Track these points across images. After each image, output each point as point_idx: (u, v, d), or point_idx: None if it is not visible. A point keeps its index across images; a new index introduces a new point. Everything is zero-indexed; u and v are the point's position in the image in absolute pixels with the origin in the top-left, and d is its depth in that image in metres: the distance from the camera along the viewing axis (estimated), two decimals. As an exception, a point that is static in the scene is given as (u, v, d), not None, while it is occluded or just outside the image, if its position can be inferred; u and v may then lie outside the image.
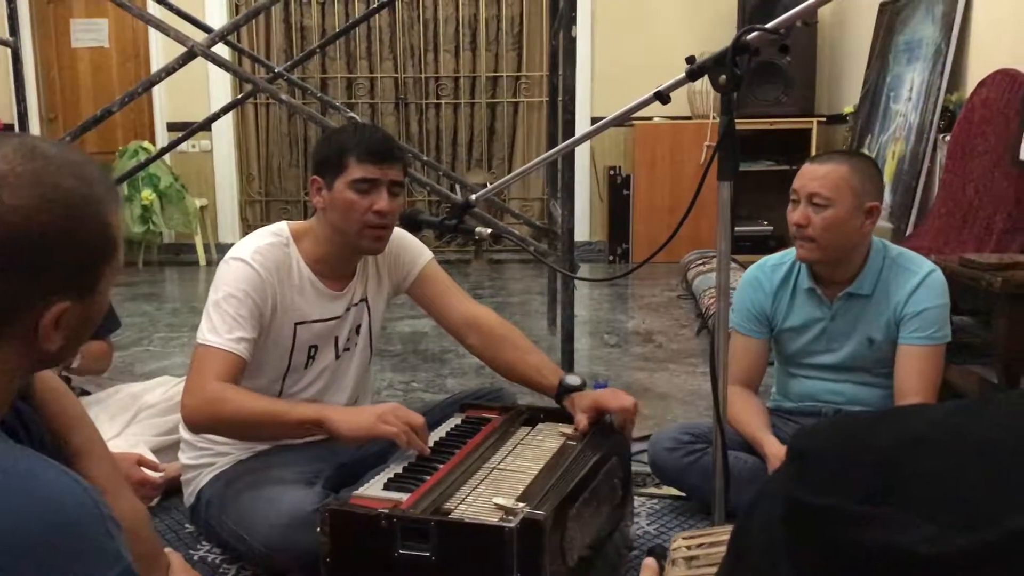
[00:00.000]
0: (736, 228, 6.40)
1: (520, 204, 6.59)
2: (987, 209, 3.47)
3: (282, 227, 1.96)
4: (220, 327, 1.80)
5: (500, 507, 1.43)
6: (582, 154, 6.39)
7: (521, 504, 1.42)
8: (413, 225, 1.82)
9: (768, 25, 1.28)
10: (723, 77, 1.30)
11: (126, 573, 0.80)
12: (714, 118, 5.80)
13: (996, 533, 0.47)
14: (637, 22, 6.18)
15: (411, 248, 2.07)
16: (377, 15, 6.19)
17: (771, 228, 5.90)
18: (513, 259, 6.51)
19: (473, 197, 1.67)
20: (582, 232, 6.59)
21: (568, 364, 3.05)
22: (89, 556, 0.78)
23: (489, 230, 1.64)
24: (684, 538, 1.02)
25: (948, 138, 3.98)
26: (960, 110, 3.94)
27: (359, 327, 2.05)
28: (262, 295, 1.84)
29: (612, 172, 6.23)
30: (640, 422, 2.90)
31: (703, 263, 4.77)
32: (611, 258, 6.34)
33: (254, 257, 1.85)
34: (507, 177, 1.68)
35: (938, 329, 2.00)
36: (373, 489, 1.54)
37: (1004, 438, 0.55)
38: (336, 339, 2.00)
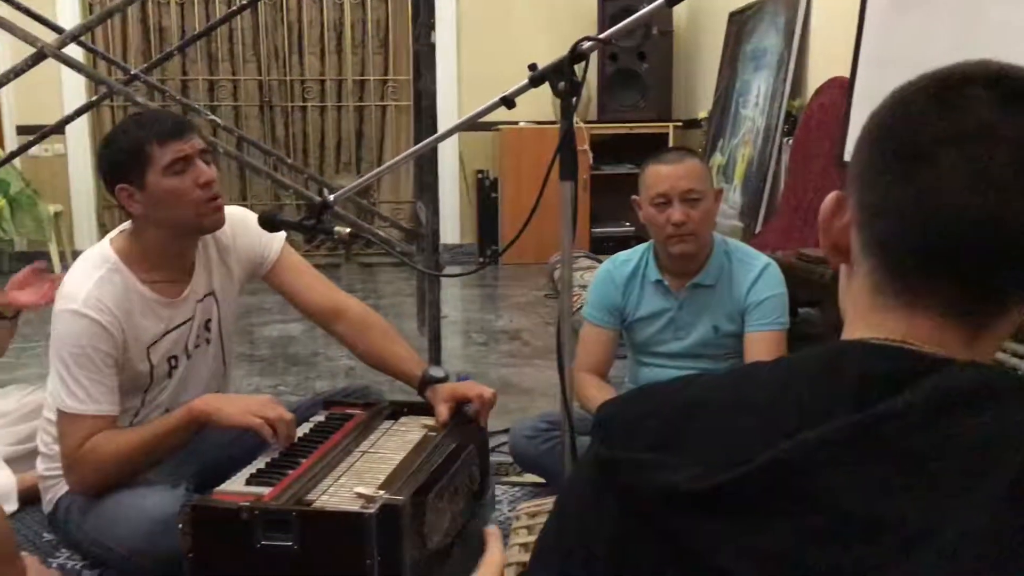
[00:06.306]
0: (599, 229, 6.54)
1: (391, 208, 6.59)
2: (824, 207, 3.73)
3: (106, 252, 1.86)
4: (78, 392, 1.75)
5: (361, 495, 1.48)
6: (450, 158, 6.45)
7: (381, 492, 1.48)
8: (271, 225, 1.85)
9: (601, 36, 1.39)
10: (562, 84, 1.40)
11: None
12: (577, 123, 5.97)
13: (744, 470, 0.59)
14: (502, 26, 6.29)
15: (261, 233, 1.97)
16: (239, 17, 6.09)
17: (633, 228, 6.11)
18: (384, 262, 6.52)
19: (331, 197, 1.71)
20: (452, 235, 6.66)
21: (436, 361, 3.11)
22: None
23: (348, 229, 1.69)
24: (526, 509, 1.10)
25: (791, 142, 4.25)
26: (801, 115, 4.22)
27: (208, 321, 2.00)
28: (109, 343, 1.78)
29: (480, 175, 6.33)
30: (504, 415, 3.00)
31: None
32: (481, 260, 6.43)
33: (89, 305, 1.76)
34: (363, 178, 1.72)
35: (779, 316, 2.17)
36: (235, 485, 1.56)
37: (759, 396, 0.67)
38: (186, 340, 1.97)
